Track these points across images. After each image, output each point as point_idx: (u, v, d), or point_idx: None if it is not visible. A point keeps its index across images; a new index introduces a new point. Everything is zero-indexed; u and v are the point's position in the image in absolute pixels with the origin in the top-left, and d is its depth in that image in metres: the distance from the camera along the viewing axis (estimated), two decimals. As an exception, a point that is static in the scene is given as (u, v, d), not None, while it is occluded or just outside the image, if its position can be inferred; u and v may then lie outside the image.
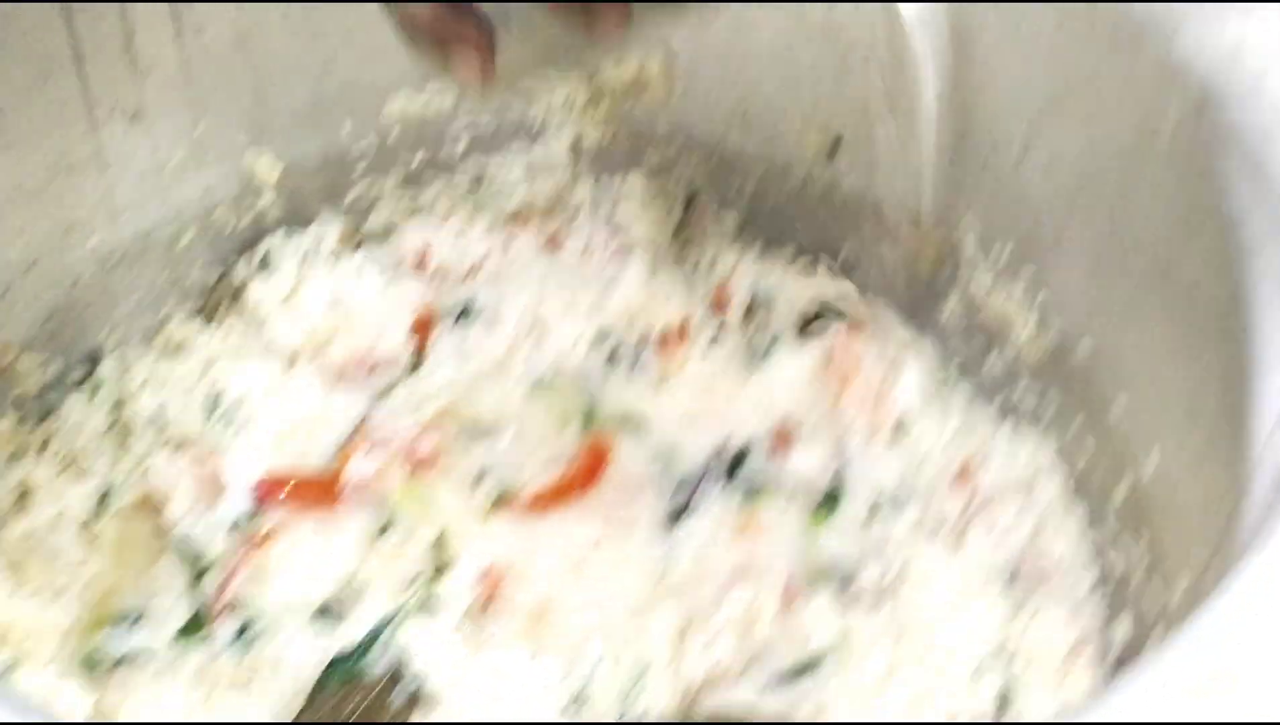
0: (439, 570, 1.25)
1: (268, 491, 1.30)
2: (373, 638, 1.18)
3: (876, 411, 1.41)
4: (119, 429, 1.35)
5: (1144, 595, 1.25)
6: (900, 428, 1.41)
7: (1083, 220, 1.34)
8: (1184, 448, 1.21)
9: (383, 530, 1.29)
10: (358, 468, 1.33)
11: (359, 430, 1.37)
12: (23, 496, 1.28)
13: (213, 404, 1.35)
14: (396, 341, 1.43)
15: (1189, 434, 1.20)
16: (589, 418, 1.41)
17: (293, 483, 1.31)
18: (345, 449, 1.35)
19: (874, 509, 1.33)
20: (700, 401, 1.44)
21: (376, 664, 1.17)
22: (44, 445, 1.32)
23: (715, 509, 1.33)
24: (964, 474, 1.34)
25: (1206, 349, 1.18)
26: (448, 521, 1.30)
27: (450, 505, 1.31)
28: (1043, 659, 1.21)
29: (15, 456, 1.30)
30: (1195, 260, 1.19)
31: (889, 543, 1.28)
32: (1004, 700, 1.17)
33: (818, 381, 1.44)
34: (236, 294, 1.48)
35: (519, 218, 1.62)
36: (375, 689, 1.14)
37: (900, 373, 1.45)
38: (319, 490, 1.31)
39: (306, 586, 1.23)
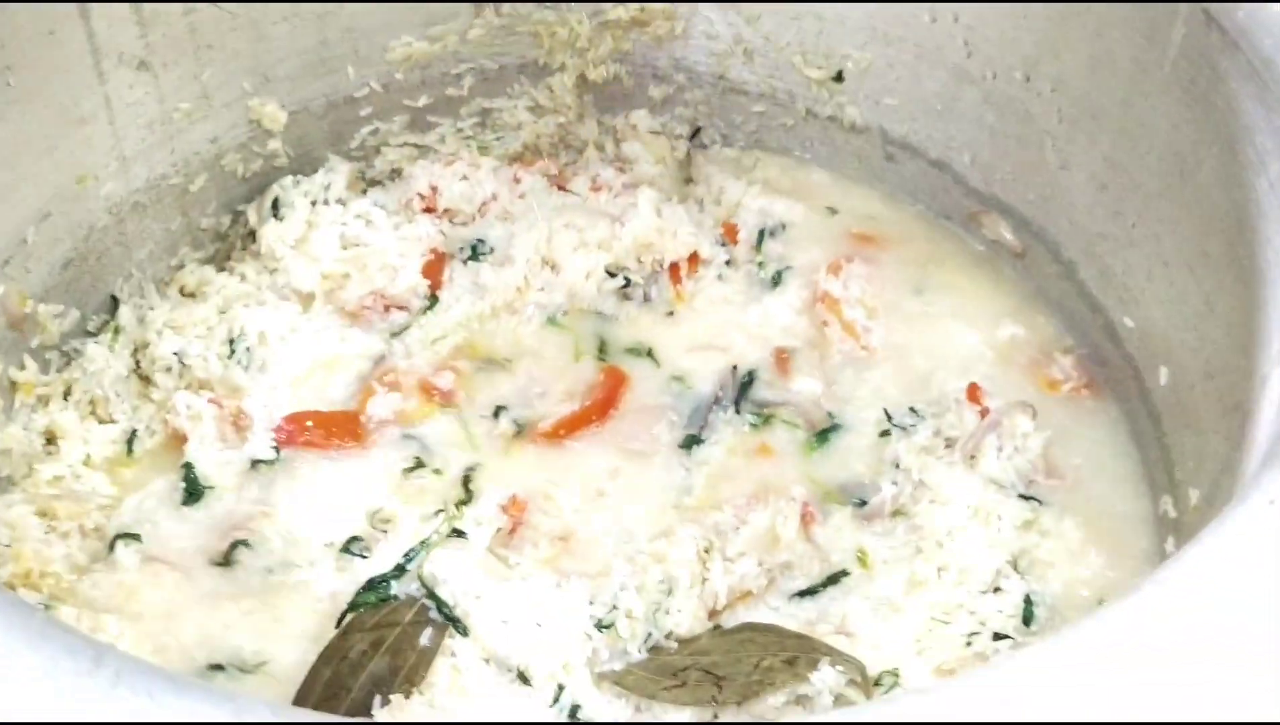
0: (463, 502, 1.26)
1: (290, 430, 1.32)
2: (401, 567, 1.19)
3: (866, 338, 1.43)
4: (140, 374, 1.37)
5: (1158, 503, 1.28)
6: (906, 351, 1.43)
7: (1089, 140, 1.36)
8: (1196, 360, 1.23)
9: (406, 464, 1.30)
10: (378, 405, 1.34)
11: (378, 368, 1.38)
12: (50, 442, 1.29)
13: (232, 347, 1.36)
14: (410, 281, 1.44)
15: (1200, 347, 1.22)
16: (602, 350, 1.43)
17: (314, 421, 1.33)
18: (365, 387, 1.36)
19: (883, 432, 1.35)
20: (710, 331, 1.46)
21: (407, 590, 1.18)
22: (67, 392, 1.32)
23: (729, 434, 1.35)
24: (973, 394, 1.36)
25: (1216, 262, 1.19)
26: (470, 454, 1.31)
27: (471, 438, 1.33)
28: (1062, 566, 1.23)
29: (40, 403, 1.30)
30: (1204, 174, 1.21)
31: (902, 462, 1.30)
32: (1028, 608, 1.19)
33: (812, 312, 1.46)
34: (249, 239, 1.49)
35: (525, 157, 1.63)
36: (406, 615, 1.16)
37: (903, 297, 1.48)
38: (341, 428, 1.33)
39: (332, 521, 1.25)
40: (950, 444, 1.32)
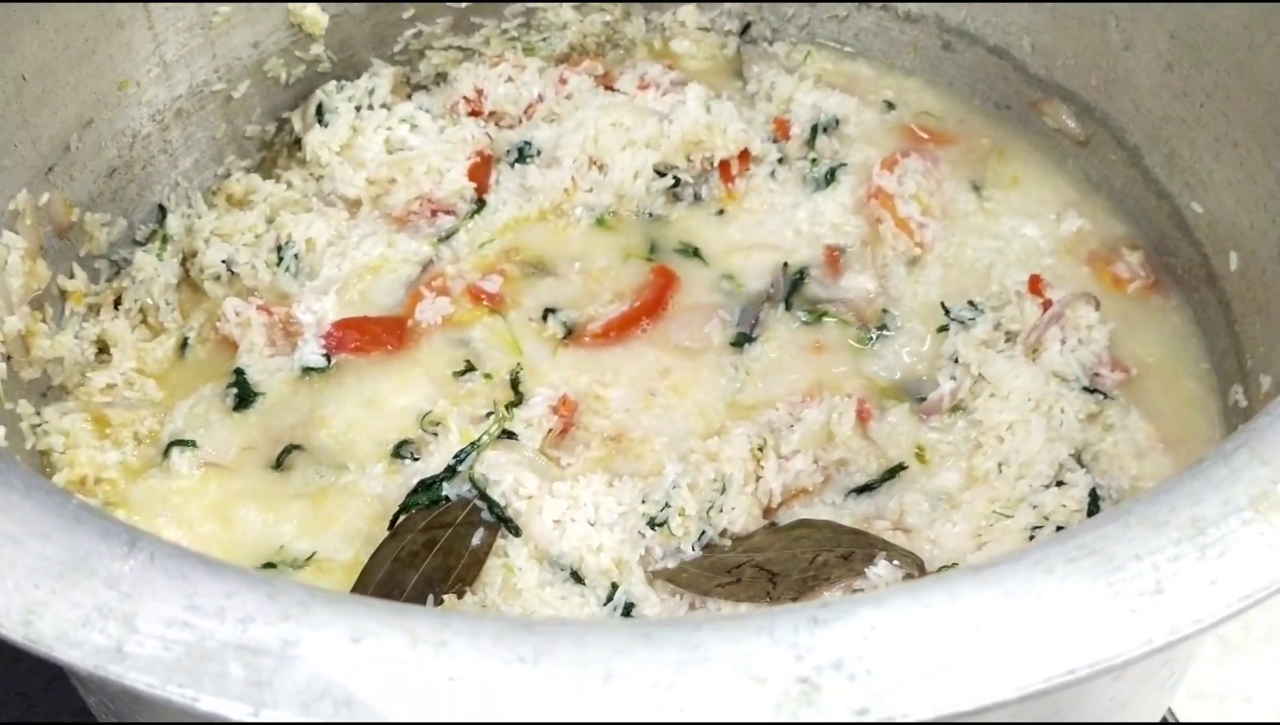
0: (513, 404, 1.25)
1: (340, 336, 1.30)
2: (453, 468, 1.18)
3: (921, 234, 1.39)
4: (190, 282, 1.36)
5: (1228, 393, 1.23)
6: (963, 247, 1.39)
7: (1154, 17, 1.30)
8: (1267, 242, 1.18)
9: (455, 368, 1.29)
10: (426, 310, 1.32)
11: (425, 273, 1.36)
12: (101, 350, 1.29)
13: (279, 254, 1.35)
14: (456, 185, 1.41)
15: (1272, 228, 1.17)
16: (651, 250, 1.40)
17: (363, 327, 1.31)
18: (413, 292, 1.34)
19: (940, 327, 1.31)
20: (761, 230, 1.42)
21: (459, 492, 1.17)
22: (117, 301, 1.32)
23: (780, 332, 1.32)
24: (1035, 286, 1.32)
25: (1285, 145, 1.14)
26: (520, 356, 1.30)
27: (520, 341, 1.31)
28: (1128, 459, 1.19)
29: (90, 312, 1.30)
30: (1274, 47, 1.15)
31: (960, 356, 1.26)
32: (1094, 502, 1.15)
33: (865, 209, 1.42)
34: (295, 146, 1.47)
35: (571, 57, 1.59)
36: (458, 516, 1.15)
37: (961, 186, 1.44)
38: (390, 333, 1.31)
39: (383, 425, 1.24)
40: (1011, 337, 1.28)
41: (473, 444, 1.20)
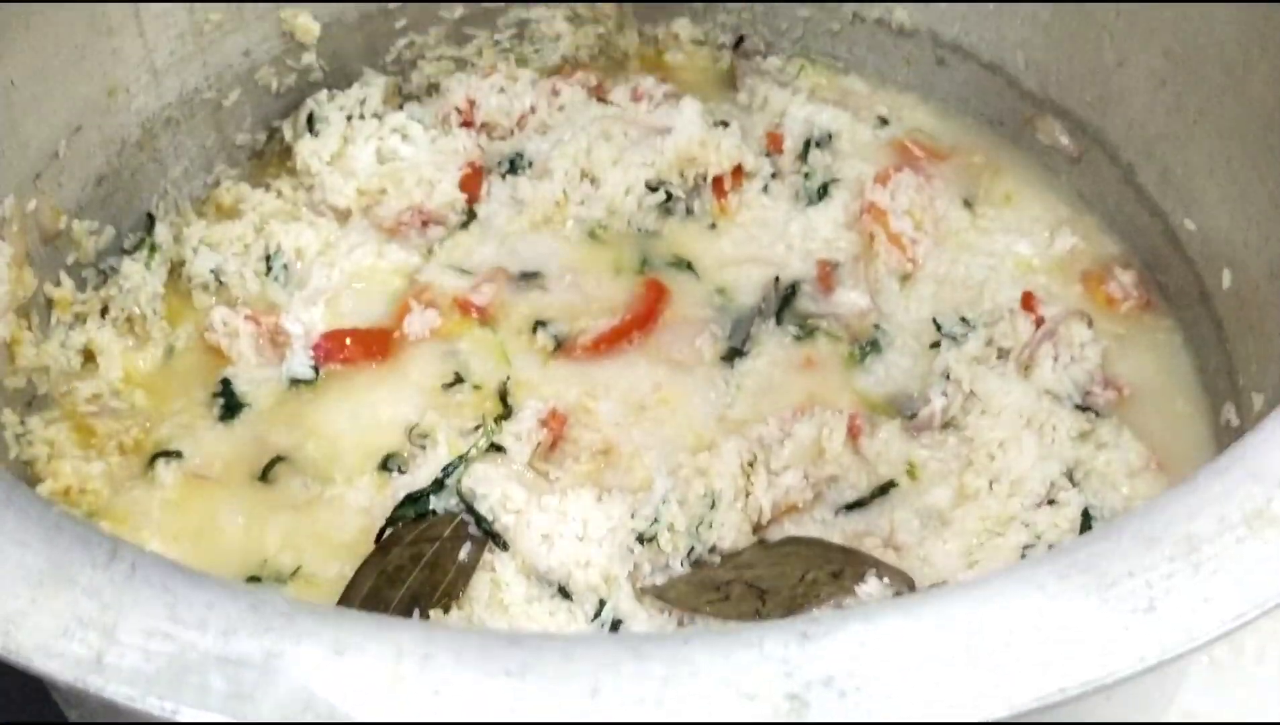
0: (502, 416, 1.24)
1: (328, 347, 1.30)
2: (440, 482, 1.17)
3: (914, 250, 1.39)
4: (178, 292, 1.35)
5: (1220, 412, 1.23)
6: (955, 264, 1.39)
7: (1148, 32, 1.30)
8: (1260, 259, 1.18)
9: (444, 380, 1.28)
10: (414, 321, 1.32)
11: (414, 285, 1.36)
12: (88, 359, 1.28)
13: (268, 264, 1.34)
14: (447, 196, 1.41)
15: (1265, 246, 1.17)
16: (643, 263, 1.39)
17: (352, 338, 1.31)
18: (402, 303, 1.34)
19: (932, 343, 1.31)
20: (753, 244, 1.42)
21: (446, 505, 1.17)
22: (105, 309, 1.31)
23: (772, 346, 1.32)
24: (1028, 302, 1.32)
25: (1278, 165, 1.14)
26: (509, 368, 1.29)
27: (509, 354, 1.30)
28: (1121, 478, 1.18)
29: (77, 321, 1.29)
30: (1269, 64, 1.15)
31: (952, 373, 1.26)
32: (1087, 521, 1.15)
33: (858, 225, 1.41)
34: (285, 155, 1.47)
35: (564, 68, 1.59)
36: (445, 530, 1.14)
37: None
38: (378, 344, 1.31)
39: (370, 438, 1.23)
40: (1003, 354, 1.28)
41: (460, 457, 1.20)
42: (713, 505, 1.15)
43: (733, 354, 1.31)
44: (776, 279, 1.36)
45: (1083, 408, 1.24)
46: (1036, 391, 1.24)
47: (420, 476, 1.19)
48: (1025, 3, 1.41)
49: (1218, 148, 1.22)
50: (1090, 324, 1.29)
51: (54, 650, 0.63)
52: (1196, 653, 0.64)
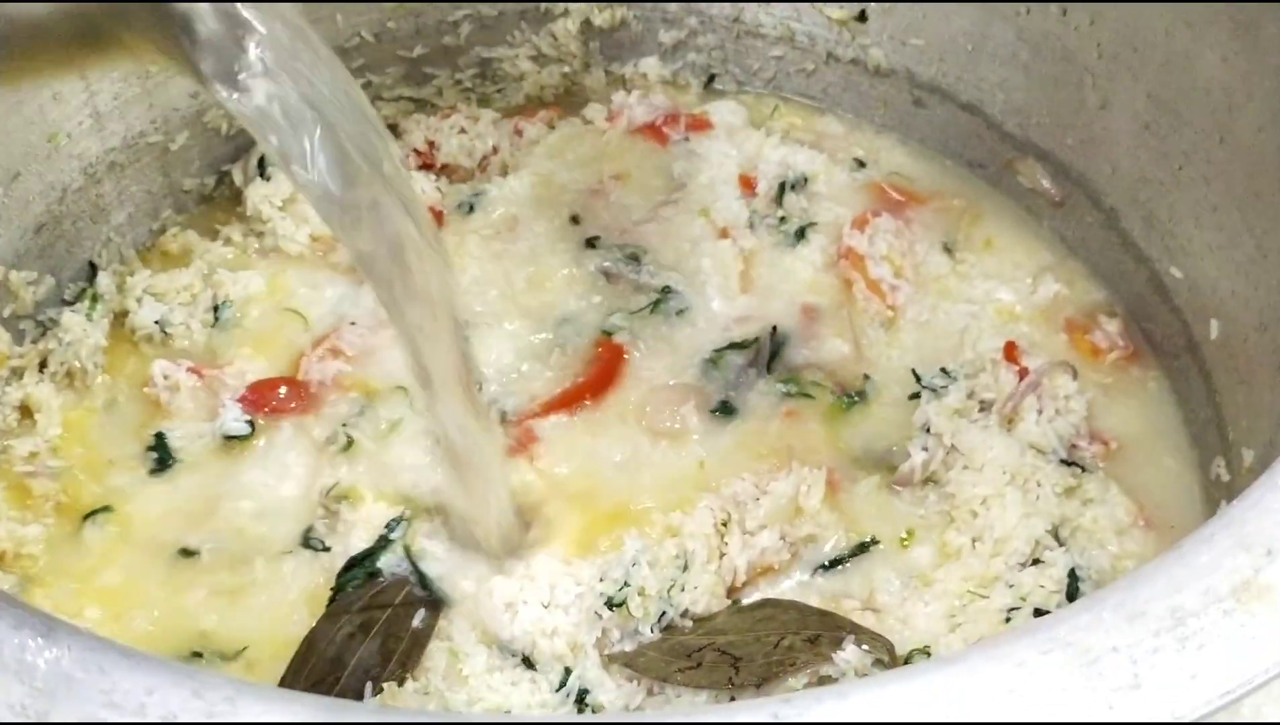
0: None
1: (254, 398, 1.29)
2: (386, 539, 1.17)
3: (893, 296, 1.40)
4: (121, 343, 1.35)
5: (1210, 467, 1.24)
6: (936, 311, 1.40)
7: (1131, 76, 1.32)
8: (1249, 310, 1.19)
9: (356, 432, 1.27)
10: (312, 369, 1.31)
11: (329, 332, 1.35)
12: (25, 416, 1.27)
13: (216, 314, 1.34)
14: (405, 242, 1.41)
15: (1254, 296, 1.18)
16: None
17: (275, 388, 1.30)
18: (299, 353, 1.34)
19: (912, 394, 1.32)
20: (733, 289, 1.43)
21: (395, 571, 1.16)
22: (43, 363, 1.31)
23: (752, 400, 1.32)
24: (1010, 353, 1.33)
25: (1270, 204, 1.15)
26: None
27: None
28: (1108, 537, 1.19)
29: (14, 376, 1.29)
30: (1255, 109, 1.16)
31: (933, 426, 1.26)
32: (1073, 582, 1.15)
33: (835, 270, 1.43)
34: (235, 200, 1.47)
35: (528, 109, 1.60)
36: (396, 596, 1.13)
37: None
38: (294, 393, 1.30)
39: (291, 494, 1.23)
40: (985, 406, 1.28)
41: (397, 517, 1.19)
42: (685, 567, 1.15)
43: (725, 410, 1.31)
44: (774, 329, 1.37)
45: (1068, 463, 1.25)
46: (1020, 446, 1.24)
47: (352, 542, 1.18)
48: (1004, 43, 1.43)
49: (1203, 194, 1.24)
50: (1075, 376, 1.30)
51: (-18, 739, 0.62)
52: (1184, 732, 0.64)
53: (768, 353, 1.35)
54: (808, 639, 1.10)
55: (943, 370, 1.33)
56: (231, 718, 0.62)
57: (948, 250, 1.45)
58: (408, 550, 1.16)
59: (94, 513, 1.20)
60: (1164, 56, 1.26)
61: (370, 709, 0.64)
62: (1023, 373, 1.30)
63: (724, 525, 1.18)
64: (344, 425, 1.27)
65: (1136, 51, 1.29)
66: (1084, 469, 1.25)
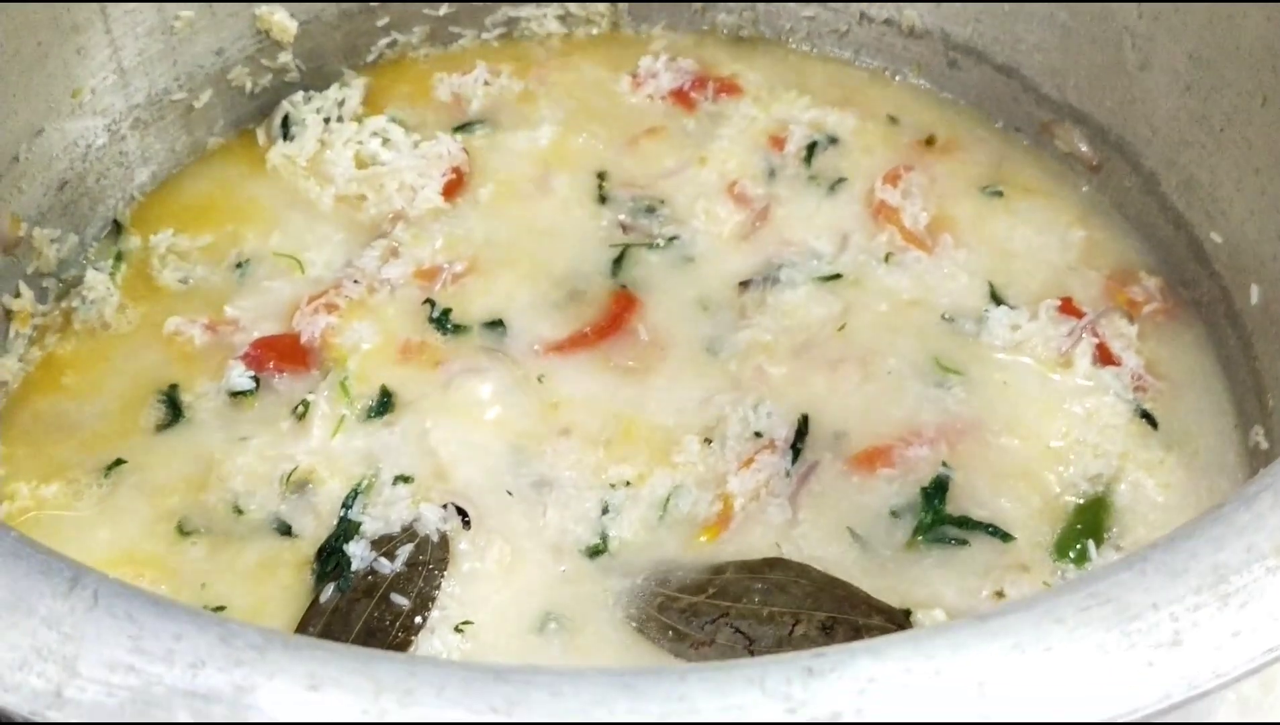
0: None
1: (257, 355, 1.28)
2: (345, 519, 1.16)
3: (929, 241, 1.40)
4: (143, 299, 1.34)
5: (1249, 434, 1.23)
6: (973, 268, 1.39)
7: (1171, 35, 1.30)
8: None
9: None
10: (302, 323, 1.30)
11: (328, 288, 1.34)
12: (51, 373, 1.28)
13: (240, 274, 1.34)
14: (430, 204, 1.41)
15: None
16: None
17: (278, 345, 1.29)
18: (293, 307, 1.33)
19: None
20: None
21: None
22: (67, 322, 1.31)
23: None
24: (1066, 306, 1.32)
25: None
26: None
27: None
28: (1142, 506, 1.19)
29: (39, 335, 1.29)
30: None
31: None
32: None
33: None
34: (260, 159, 1.47)
35: (553, 62, 1.59)
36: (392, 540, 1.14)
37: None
38: (289, 351, 1.29)
39: (279, 457, 1.22)
40: (1034, 349, 1.29)
41: (354, 490, 1.18)
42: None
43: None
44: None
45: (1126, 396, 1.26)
46: (1070, 388, 1.25)
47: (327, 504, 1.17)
48: (1042, 2, 1.42)
49: (1245, 157, 1.23)
50: (1132, 320, 1.30)
51: (10, 683, 0.63)
52: (1224, 689, 0.64)
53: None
54: (821, 626, 1.09)
55: (983, 315, 1.32)
56: (260, 664, 0.62)
57: (983, 211, 1.44)
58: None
59: (114, 465, 1.20)
60: (1206, 15, 1.25)
61: (396, 658, 0.64)
62: (1077, 315, 1.30)
63: (707, 443, 1.21)
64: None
65: (1178, 10, 1.28)
66: (1146, 416, 1.24)
